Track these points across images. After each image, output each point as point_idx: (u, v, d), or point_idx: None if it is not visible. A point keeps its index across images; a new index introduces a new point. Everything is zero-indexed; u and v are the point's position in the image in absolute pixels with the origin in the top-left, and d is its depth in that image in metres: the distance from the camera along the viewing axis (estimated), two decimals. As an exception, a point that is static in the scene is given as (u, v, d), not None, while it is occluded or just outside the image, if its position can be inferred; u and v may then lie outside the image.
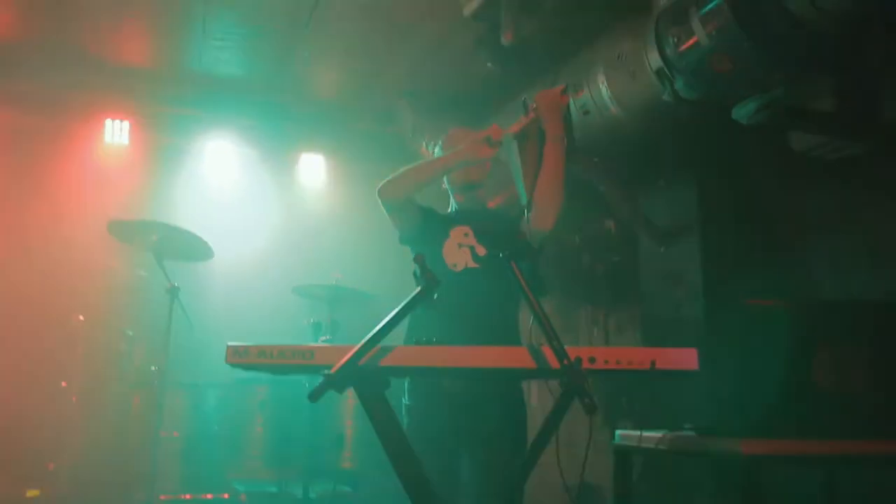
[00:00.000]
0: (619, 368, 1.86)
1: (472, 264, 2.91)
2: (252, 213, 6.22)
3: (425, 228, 3.01)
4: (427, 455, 2.24)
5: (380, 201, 2.91)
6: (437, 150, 3.27)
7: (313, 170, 6.46)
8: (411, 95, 5.63)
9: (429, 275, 1.88)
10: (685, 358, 1.86)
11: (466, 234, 2.96)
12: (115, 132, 5.86)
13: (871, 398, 2.22)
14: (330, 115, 6.16)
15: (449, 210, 3.19)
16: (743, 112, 3.12)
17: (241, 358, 1.93)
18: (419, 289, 1.89)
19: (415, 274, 1.91)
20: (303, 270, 5.44)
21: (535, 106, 2.80)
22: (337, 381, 1.80)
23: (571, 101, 2.87)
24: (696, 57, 2.96)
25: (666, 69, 3.15)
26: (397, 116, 5.81)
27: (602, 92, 3.63)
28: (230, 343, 1.93)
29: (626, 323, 4.84)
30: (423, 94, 5.57)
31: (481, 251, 2.92)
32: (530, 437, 2.89)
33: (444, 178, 3.11)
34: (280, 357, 1.91)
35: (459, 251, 2.93)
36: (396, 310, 1.89)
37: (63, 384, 4.79)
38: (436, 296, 1.91)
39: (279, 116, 6.10)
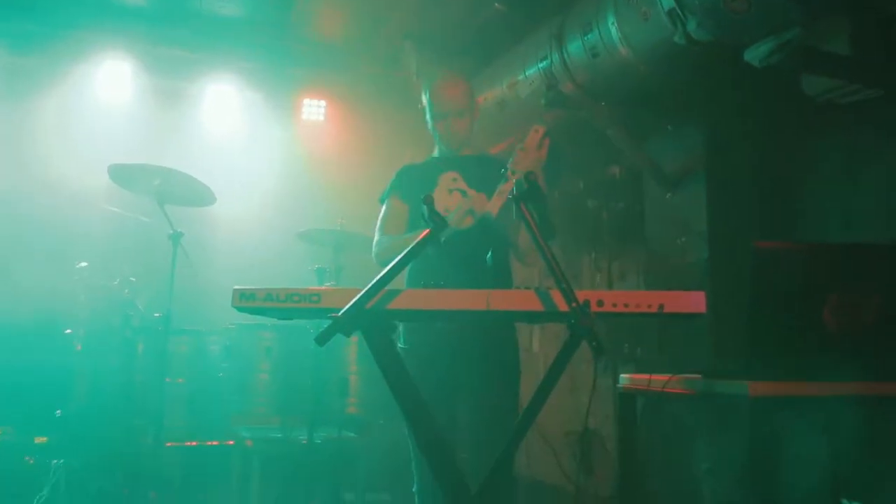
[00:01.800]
0: (627, 311, 1.85)
1: None
2: (255, 157, 6.17)
3: (414, 195, 2.92)
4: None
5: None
6: (424, 97, 3.18)
7: (316, 113, 6.37)
8: (416, 38, 5.53)
9: (437, 217, 1.85)
10: (693, 301, 1.86)
11: (455, 179, 2.97)
12: (115, 75, 5.77)
13: (881, 341, 2.20)
14: (333, 57, 6.06)
15: (434, 154, 3.15)
16: (756, 54, 3.04)
17: (247, 302, 1.92)
18: (427, 231, 1.86)
19: (423, 216, 1.88)
20: (306, 216, 5.41)
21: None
22: (344, 324, 1.78)
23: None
24: (710, -5, 2.88)
25: (678, 9, 3.07)
26: (402, 59, 5.72)
27: (612, 33, 3.55)
28: (236, 286, 1.92)
29: (629, 269, 4.82)
30: (428, 37, 5.47)
31: (473, 193, 2.90)
32: (523, 381, 2.92)
33: (429, 122, 3.08)
34: (287, 300, 1.90)
35: (450, 196, 2.92)
36: (404, 252, 1.86)
37: (67, 331, 4.80)
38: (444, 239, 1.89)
39: (282, 59, 6.01)
